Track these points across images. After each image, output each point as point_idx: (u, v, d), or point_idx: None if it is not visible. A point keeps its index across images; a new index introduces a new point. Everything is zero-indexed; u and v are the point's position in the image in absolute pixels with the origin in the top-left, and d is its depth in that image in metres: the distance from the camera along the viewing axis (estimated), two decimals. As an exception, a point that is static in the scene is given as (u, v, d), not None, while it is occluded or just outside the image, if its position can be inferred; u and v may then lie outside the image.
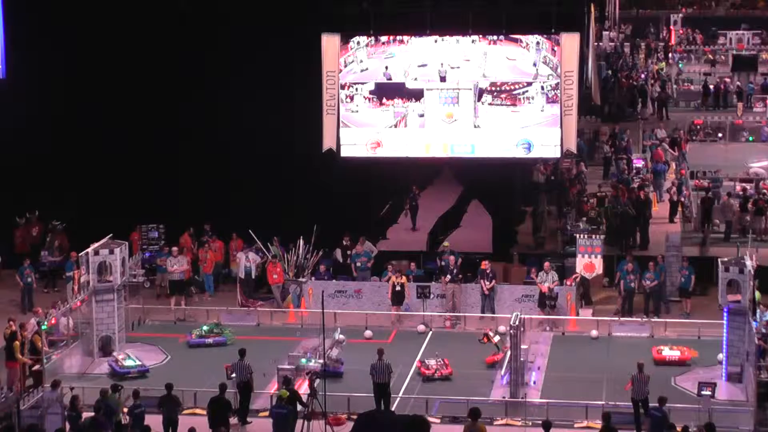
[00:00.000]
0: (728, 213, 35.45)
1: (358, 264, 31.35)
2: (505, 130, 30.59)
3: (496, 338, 26.34)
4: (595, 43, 46.54)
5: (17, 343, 25.01)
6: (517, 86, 30.41)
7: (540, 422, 22.73)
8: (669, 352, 26.65)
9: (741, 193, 37.94)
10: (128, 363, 26.32)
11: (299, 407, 22.60)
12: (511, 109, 30.41)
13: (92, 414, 21.88)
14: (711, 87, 55.84)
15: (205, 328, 28.65)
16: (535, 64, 30.22)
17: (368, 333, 28.77)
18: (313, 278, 30.86)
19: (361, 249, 31.53)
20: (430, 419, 23.10)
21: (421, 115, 30.64)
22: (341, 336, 26.25)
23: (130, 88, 32.99)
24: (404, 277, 30.08)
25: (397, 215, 34.49)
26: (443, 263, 30.71)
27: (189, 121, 33.10)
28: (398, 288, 29.87)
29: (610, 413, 21.49)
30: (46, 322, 26.17)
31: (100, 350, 27.16)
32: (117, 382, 23.67)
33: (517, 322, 24.58)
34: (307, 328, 28.58)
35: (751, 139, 48.05)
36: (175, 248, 31.52)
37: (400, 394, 24.70)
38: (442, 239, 32.75)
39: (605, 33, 73.03)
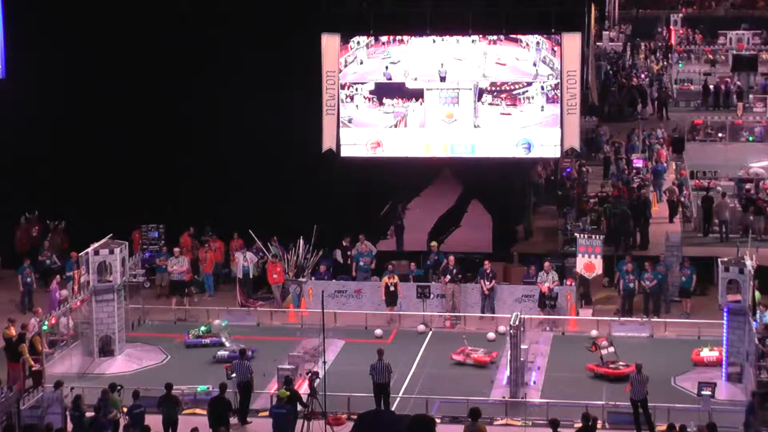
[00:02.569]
0: (723, 213, 35.43)
1: (362, 263, 31.35)
2: (505, 129, 30.60)
3: (606, 351, 25.85)
4: (595, 44, 46.60)
5: (24, 345, 25.02)
6: (517, 86, 30.42)
7: (540, 422, 22.91)
8: (708, 353, 26.52)
9: (743, 193, 37.93)
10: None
11: (299, 407, 22.60)
12: (511, 108, 30.43)
13: (92, 414, 21.91)
14: (711, 87, 55.86)
15: (202, 328, 28.61)
16: (535, 64, 30.23)
17: (378, 332, 28.81)
18: (313, 278, 30.86)
19: (364, 248, 31.54)
20: (430, 419, 23.19)
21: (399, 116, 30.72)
22: (218, 321, 27.38)
23: (129, 88, 32.98)
24: (396, 277, 30.06)
25: (388, 227, 34.41)
26: (429, 263, 30.96)
27: (189, 121, 33.11)
28: (392, 288, 29.87)
29: (589, 414, 21.46)
30: (46, 322, 26.18)
31: (100, 350, 27.17)
32: (115, 382, 23.62)
33: (517, 322, 24.57)
34: (307, 328, 28.58)
35: (751, 139, 48.10)
36: (177, 249, 31.51)
37: (400, 394, 24.70)
38: (439, 239, 32.80)
39: (605, 33, 73.11)
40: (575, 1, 31.30)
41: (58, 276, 30.02)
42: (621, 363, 25.72)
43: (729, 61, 60.55)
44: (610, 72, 60.46)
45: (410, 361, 26.76)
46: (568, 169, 39.90)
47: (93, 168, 33.49)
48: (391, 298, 29.92)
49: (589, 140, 44.56)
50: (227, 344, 27.34)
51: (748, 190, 38.23)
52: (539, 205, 38.86)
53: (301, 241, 31.00)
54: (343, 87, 30.98)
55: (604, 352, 25.85)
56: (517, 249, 33.86)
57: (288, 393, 22.48)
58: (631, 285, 29.69)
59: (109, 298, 27.23)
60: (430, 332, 29.05)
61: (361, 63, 30.97)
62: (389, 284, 29.85)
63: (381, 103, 30.97)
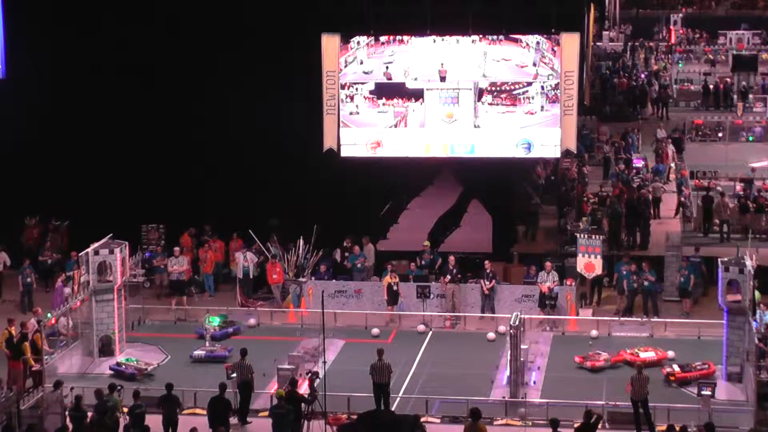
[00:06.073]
0: (723, 213, 35.42)
1: (358, 265, 31.34)
2: (505, 130, 30.60)
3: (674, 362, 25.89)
4: (594, 44, 46.48)
5: (27, 344, 25.04)
6: (517, 86, 30.42)
7: (540, 422, 22.91)
8: (646, 354, 26.44)
9: (741, 192, 37.95)
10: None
11: (303, 406, 22.59)
12: (511, 109, 30.43)
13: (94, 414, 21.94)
14: (711, 87, 55.90)
15: (216, 320, 28.54)
16: (535, 64, 30.23)
17: (375, 330, 28.84)
18: (313, 278, 30.86)
19: (358, 250, 31.47)
20: (430, 419, 23.19)
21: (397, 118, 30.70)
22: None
23: (130, 88, 32.98)
24: (397, 276, 30.07)
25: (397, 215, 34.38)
26: (424, 262, 30.98)
27: (189, 122, 33.08)
28: (395, 288, 29.88)
29: (592, 411, 21.48)
30: (49, 315, 26.23)
31: (100, 350, 27.16)
32: (115, 382, 23.61)
33: (517, 322, 24.57)
34: (307, 328, 28.59)
35: (751, 139, 48.20)
36: (176, 248, 31.53)
37: (400, 394, 24.70)
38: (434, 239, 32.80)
39: (605, 33, 73.11)
40: (575, 1, 31.31)
41: (63, 274, 30.05)
42: (696, 364, 25.65)
43: (729, 61, 60.59)
44: (607, 72, 60.44)
45: (410, 361, 26.77)
46: None
47: (93, 168, 33.48)
48: (393, 298, 29.93)
49: (581, 136, 44.44)
50: (207, 344, 27.40)
51: (746, 189, 38.21)
52: (540, 205, 38.85)
53: (301, 241, 31.01)
54: (343, 87, 30.97)
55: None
56: (518, 249, 33.85)
57: (284, 392, 22.50)
58: (635, 285, 29.70)
59: (109, 298, 27.24)
60: (430, 332, 29.05)
61: (361, 63, 30.96)
62: (392, 284, 29.86)
63: (381, 103, 30.96)
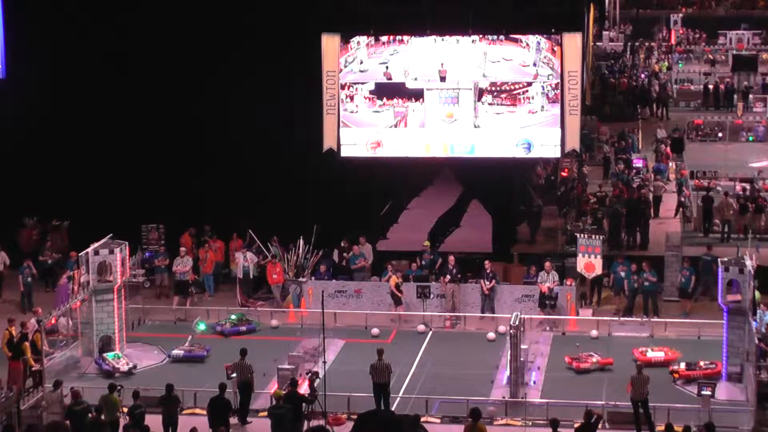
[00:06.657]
0: (725, 212, 35.43)
1: (360, 264, 31.35)
2: (505, 130, 30.61)
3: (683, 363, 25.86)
4: (594, 44, 46.48)
5: (27, 344, 25.04)
6: (517, 86, 30.43)
7: (540, 422, 22.91)
8: (654, 354, 26.49)
9: (741, 192, 37.95)
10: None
11: (303, 407, 22.59)
12: (511, 109, 30.44)
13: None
14: (711, 87, 55.91)
15: (233, 317, 29.12)
16: (535, 64, 30.24)
17: (375, 330, 28.85)
18: (313, 278, 30.86)
19: (358, 250, 31.48)
20: (430, 419, 23.19)
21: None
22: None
23: (130, 88, 32.99)
24: (400, 277, 30.07)
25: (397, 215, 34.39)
26: (424, 262, 31.00)
27: (190, 122, 33.10)
28: (401, 287, 29.88)
29: (593, 411, 21.50)
30: (51, 314, 26.29)
31: (100, 350, 27.16)
32: (114, 382, 23.61)
33: (517, 322, 24.57)
34: (307, 328, 28.59)
35: (751, 139, 48.22)
36: (183, 249, 31.53)
37: (400, 394, 24.70)
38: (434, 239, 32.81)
39: (605, 33, 73.13)
40: (575, 1, 31.31)
41: (67, 270, 30.06)
42: (703, 363, 25.65)
43: (729, 61, 60.58)
44: (607, 72, 60.44)
45: (410, 361, 26.77)
46: None
47: (93, 168, 33.49)
48: (399, 298, 29.93)
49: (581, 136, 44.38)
50: (186, 344, 27.55)
51: (745, 189, 38.23)
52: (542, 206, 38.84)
53: (301, 241, 31.01)
54: (343, 87, 30.98)
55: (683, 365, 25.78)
56: (518, 249, 33.85)
57: (282, 393, 22.50)
58: (635, 285, 29.69)
59: (109, 298, 27.24)
60: (430, 332, 29.05)
61: (361, 63, 30.98)
62: (399, 284, 29.86)
63: (381, 103, 30.96)
